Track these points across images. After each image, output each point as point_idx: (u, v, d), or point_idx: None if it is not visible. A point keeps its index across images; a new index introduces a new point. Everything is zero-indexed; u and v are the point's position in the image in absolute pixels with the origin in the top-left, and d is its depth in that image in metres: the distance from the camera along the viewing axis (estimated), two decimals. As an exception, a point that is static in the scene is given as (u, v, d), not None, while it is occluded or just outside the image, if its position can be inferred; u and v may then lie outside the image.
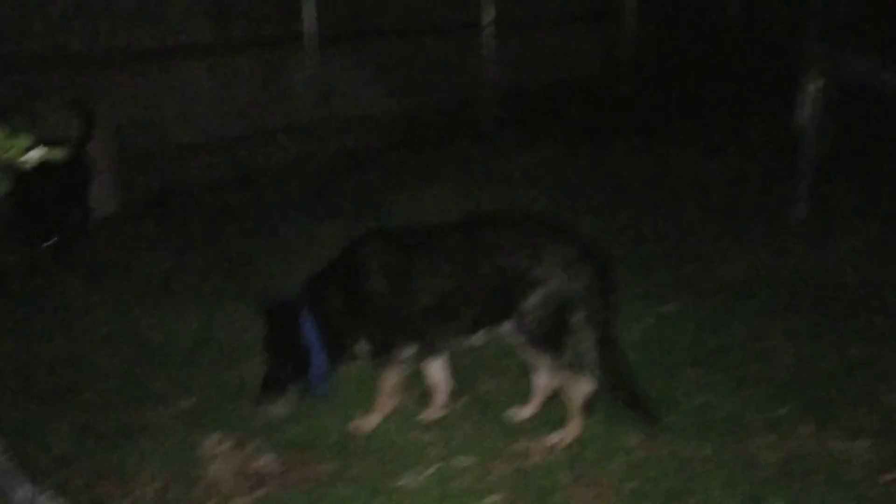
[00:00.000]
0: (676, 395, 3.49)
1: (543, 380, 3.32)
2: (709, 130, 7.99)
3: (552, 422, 3.30)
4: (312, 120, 7.36)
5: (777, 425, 3.29)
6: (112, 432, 3.24)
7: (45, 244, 4.73)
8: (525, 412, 3.39)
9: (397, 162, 7.28)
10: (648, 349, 3.89)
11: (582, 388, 3.15)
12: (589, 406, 3.20)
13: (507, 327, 3.14)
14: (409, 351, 3.21)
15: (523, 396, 3.43)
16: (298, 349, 3.16)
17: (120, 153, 5.86)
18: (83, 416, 3.35)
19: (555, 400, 3.34)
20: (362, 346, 3.26)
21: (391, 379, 3.28)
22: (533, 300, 3.01)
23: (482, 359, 3.77)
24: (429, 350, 3.26)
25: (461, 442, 3.22)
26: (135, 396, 3.50)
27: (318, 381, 3.24)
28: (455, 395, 3.51)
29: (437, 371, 3.39)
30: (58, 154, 1.62)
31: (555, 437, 3.19)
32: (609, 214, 5.72)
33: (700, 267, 4.87)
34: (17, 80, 5.59)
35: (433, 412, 3.38)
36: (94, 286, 4.56)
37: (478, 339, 3.24)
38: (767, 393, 3.51)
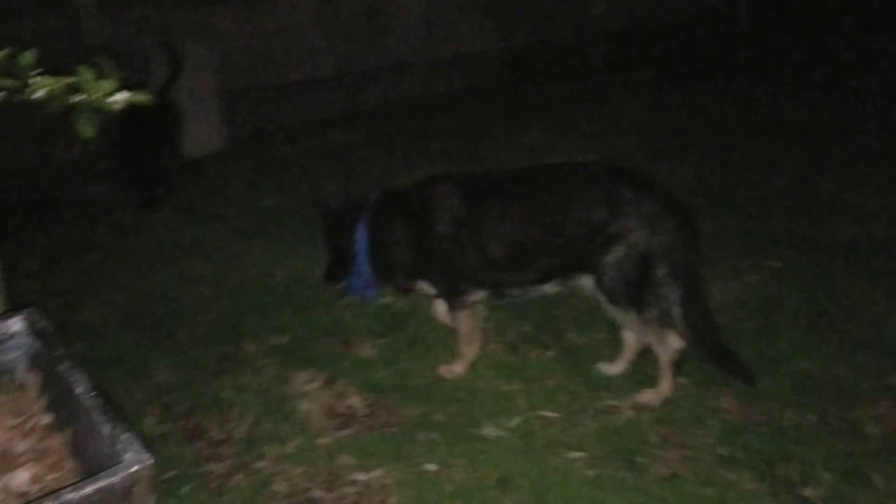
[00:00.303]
0: (778, 358, 3.32)
1: (631, 336, 3.23)
2: (824, 74, 7.45)
3: (643, 380, 3.20)
4: (415, 59, 7.28)
5: (886, 395, 3.08)
6: (210, 364, 3.36)
7: (142, 191, 4.80)
8: (615, 368, 3.30)
9: (499, 102, 7.13)
10: (749, 307, 3.71)
11: (669, 346, 3.04)
12: (678, 365, 3.09)
13: (585, 282, 3.04)
14: (476, 297, 3.18)
15: (614, 351, 3.34)
16: (346, 254, 3.33)
17: (225, 91, 5.97)
18: (184, 347, 3.49)
19: (647, 357, 3.23)
20: (425, 286, 3.29)
21: (462, 323, 3.26)
22: (614, 255, 2.89)
23: (573, 311, 3.69)
24: (496, 297, 3.22)
25: (547, 395, 3.17)
26: (232, 331, 3.61)
27: (361, 288, 3.41)
28: (544, 346, 3.46)
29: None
30: (144, 98, 1.62)
31: (646, 396, 3.10)
32: (714, 163, 5.44)
33: (812, 222, 4.57)
34: (129, 16, 5.75)
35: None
36: (196, 223, 4.70)
37: (550, 287, 3.16)
38: (877, 361, 3.28)
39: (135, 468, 1.33)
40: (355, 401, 3.12)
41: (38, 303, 3.69)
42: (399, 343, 3.51)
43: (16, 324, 1.84)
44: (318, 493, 2.64)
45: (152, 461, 1.36)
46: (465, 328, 3.27)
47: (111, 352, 3.44)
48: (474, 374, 3.29)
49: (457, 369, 3.28)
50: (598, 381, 3.26)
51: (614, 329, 3.37)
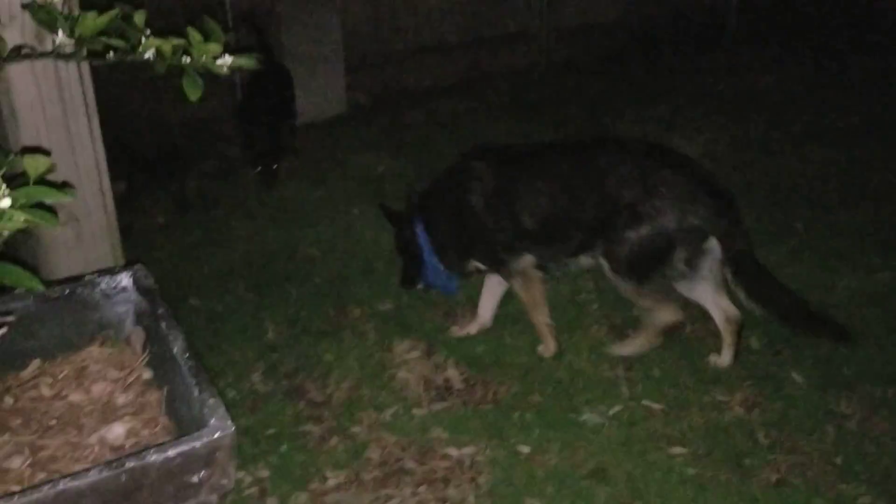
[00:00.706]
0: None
1: (721, 318, 3.11)
2: None
3: (754, 377, 3.02)
4: (538, 27, 7.12)
5: None
6: (316, 326, 3.42)
7: (256, 166, 4.88)
8: (724, 358, 3.13)
9: (625, 73, 6.87)
10: (879, 304, 3.42)
11: (663, 315, 3.07)
12: (666, 333, 3.13)
13: (599, 248, 3.04)
14: (522, 263, 3.15)
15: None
16: (413, 251, 3.32)
17: (346, 55, 6.02)
18: (294, 307, 3.57)
19: (761, 356, 3.04)
20: (476, 265, 3.27)
21: (522, 292, 3.23)
22: (637, 232, 2.89)
23: (687, 301, 3.52)
24: (538, 268, 3.21)
25: (652, 384, 3.05)
26: (340, 294, 3.66)
27: (437, 281, 3.37)
28: (652, 335, 3.32)
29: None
30: (248, 62, 1.61)
31: (627, 347, 3.16)
32: (851, 149, 5.03)
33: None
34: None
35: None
36: (314, 185, 4.78)
37: (585, 260, 3.16)
38: None
39: (217, 434, 1.35)
40: (453, 374, 3.10)
41: (160, 255, 3.97)
42: (500, 318, 3.46)
43: (125, 279, 1.91)
44: (409, 464, 2.64)
45: (233, 429, 1.37)
46: (526, 297, 3.23)
47: (227, 306, 3.57)
48: (578, 357, 3.19)
49: (550, 346, 3.21)
50: (707, 374, 3.10)
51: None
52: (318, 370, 3.14)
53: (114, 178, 2.60)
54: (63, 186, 1.18)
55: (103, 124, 2.47)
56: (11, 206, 1.00)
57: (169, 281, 3.72)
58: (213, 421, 1.38)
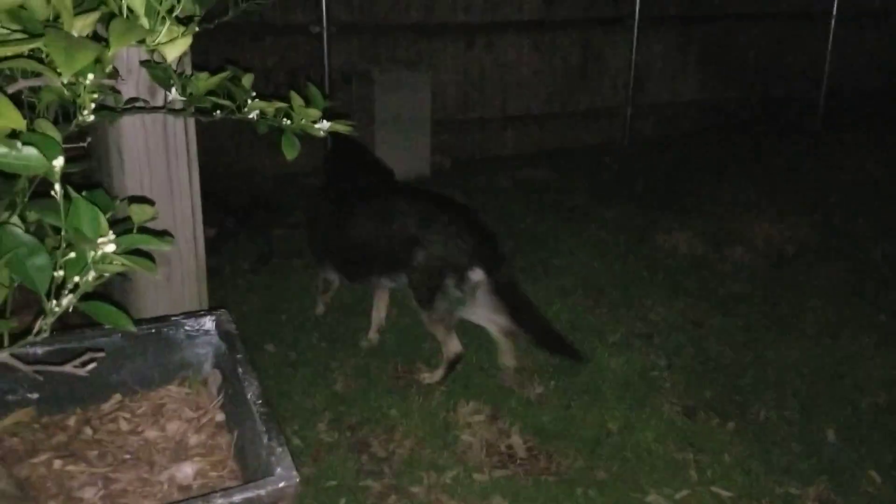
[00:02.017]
0: None
1: (495, 334, 3.55)
2: None
3: (827, 470, 2.88)
4: (623, 104, 7.20)
5: None
6: (384, 380, 3.46)
7: None
8: (434, 376, 3.46)
9: (706, 153, 6.84)
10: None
11: (450, 348, 3.43)
12: (452, 367, 3.43)
13: (404, 279, 3.46)
14: (331, 274, 3.84)
15: (804, 431, 3.04)
16: None
17: (433, 119, 6.19)
18: (363, 360, 3.62)
19: (838, 450, 2.91)
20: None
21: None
22: (416, 260, 3.35)
23: (761, 383, 3.42)
24: (346, 280, 3.81)
25: (722, 470, 2.95)
26: (410, 350, 3.70)
27: None
28: (725, 417, 3.23)
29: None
30: (346, 128, 1.69)
31: (425, 374, 3.51)
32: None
33: None
34: (359, 45, 6.15)
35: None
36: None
37: (385, 281, 3.62)
38: None
39: (282, 484, 1.38)
40: (516, 441, 3.08)
41: (243, 300, 4.11)
42: (569, 388, 3.43)
43: (209, 322, 1.99)
44: (465, 531, 2.62)
45: (298, 479, 1.40)
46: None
47: (300, 355, 3.65)
48: (647, 435, 3.12)
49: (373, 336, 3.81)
50: (780, 463, 2.99)
51: (806, 409, 3.07)
52: (382, 425, 3.17)
53: (205, 223, 2.73)
54: (162, 234, 1.27)
55: (200, 172, 2.61)
56: (114, 252, 1.08)
57: (248, 325, 3.85)
58: (279, 470, 1.41)
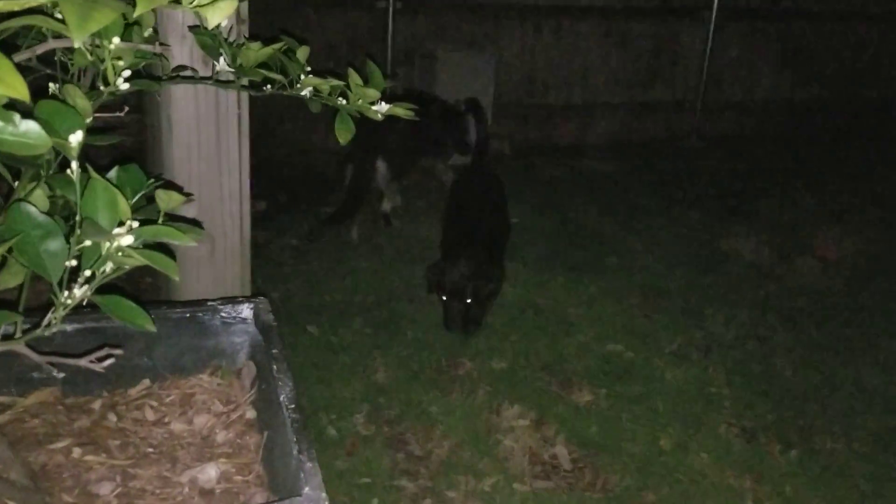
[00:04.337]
0: None
1: None
2: None
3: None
4: (695, 99, 6.90)
5: None
6: (426, 374, 3.32)
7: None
8: None
9: (782, 154, 6.50)
10: None
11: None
12: None
13: None
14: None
15: (878, 468, 2.80)
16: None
17: (495, 103, 6.01)
18: (406, 351, 3.48)
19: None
20: None
21: None
22: None
23: (829, 408, 3.19)
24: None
25: (785, 502, 2.74)
26: (455, 344, 3.55)
27: None
28: (787, 443, 3.01)
29: None
30: (406, 112, 1.54)
31: None
32: None
33: None
34: (424, 23, 5.98)
35: None
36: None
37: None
38: None
39: (308, 507, 1.25)
40: (561, 451, 2.91)
41: (288, 277, 4.01)
42: (622, 398, 3.24)
43: (246, 310, 1.87)
44: (502, 545, 2.47)
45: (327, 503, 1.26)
46: None
47: (342, 340, 3.53)
48: (700, 457, 2.93)
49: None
50: (846, 501, 2.76)
51: (878, 442, 2.84)
52: (421, 422, 3.03)
53: (256, 196, 2.62)
54: (193, 223, 1.13)
55: (254, 143, 2.49)
56: (135, 245, 0.95)
57: (292, 304, 3.75)
58: (307, 490, 1.28)
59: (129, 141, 4.10)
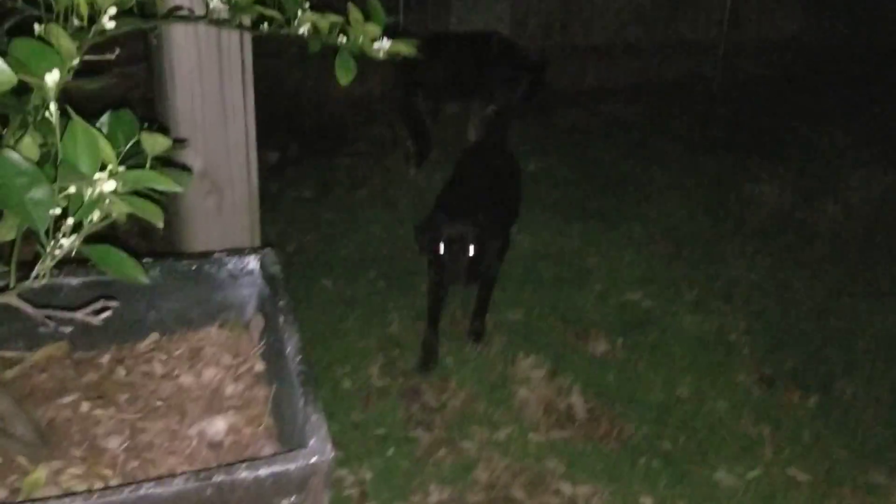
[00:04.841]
0: None
1: None
2: None
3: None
4: (718, 39, 6.68)
5: None
6: (441, 325, 3.28)
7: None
8: None
9: (802, 96, 6.31)
10: None
11: None
12: None
13: None
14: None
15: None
16: None
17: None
18: (420, 303, 3.45)
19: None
20: None
21: None
22: None
23: (849, 353, 3.13)
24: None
25: (801, 451, 2.72)
26: (468, 297, 3.49)
27: None
28: (807, 390, 2.97)
29: None
30: (409, 49, 1.47)
31: None
32: None
33: None
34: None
35: None
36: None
37: None
38: None
39: (314, 459, 1.23)
40: (577, 401, 2.88)
41: (301, 230, 3.97)
42: (639, 347, 3.20)
43: (253, 262, 1.84)
44: (517, 494, 2.46)
45: (332, 455, 1.24)
46: None
47: (356, 292, 3.50)
48: (717, 408, 2.89)
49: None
50: (865, 448, 2.72)
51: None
52: (436, 373, 3.01)
53: (267, 147, 2.56)
54: (182, 169, 1.08)
55: (265, 94, 2.43)
56: (117, 192, 0.90)
57: (306, 258, 3.71)
58: (312, 442, 1.25)
59: (137, 93, 4.05)
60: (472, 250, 2.94)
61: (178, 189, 0.99)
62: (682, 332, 3.31)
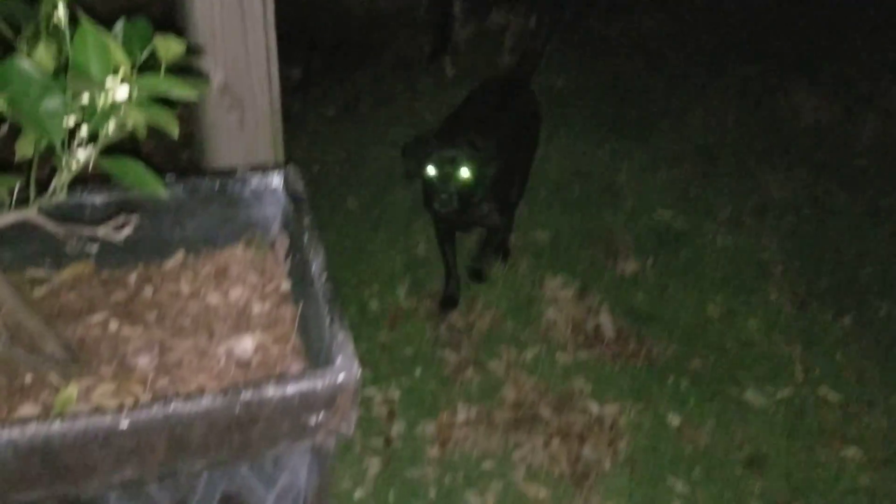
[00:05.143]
0: None
1: None
2: None
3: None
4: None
5: None
6: (468, 246, 3.24)
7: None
8: None
9: (844, 3, 6.01)
10: None
11: None
12: None
13: None
14: None
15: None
16: None
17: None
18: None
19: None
20: None
21: None
22: None
23: (885, 272, 3.06)
24: None
25: (833, 370, 2.70)
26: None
27: None
28: (841, 311, 2.92)
29: None
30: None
31: None
32: None
33: None
34: None
35: None
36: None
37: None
38: None
39: (341, 377, 1.21)
40: (605, 321, 2.86)
41: (326, 149, 3.91)
42: (669, 266, 3.15)
43: (276, 179, 1.80)
44: (545, 412, 2.47)
45: (359, 373, 1.22)
46: None
47: (383, 213, 3.46)
48: (747, 324, 2.86)
49: None
50: (900, 368, 2.69)
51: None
52: (463, 294, 2.98)
53: (291, 63, 2.49)
54: (199, 77, 1.02)
55: (288, 9, 2.34)
56: (132, 99, 0.86)
57: (331, 178, 3.67)
58: (339, 360, 1.24)
59: (157, 9, 3.95)
60: (464, 172, 2.52)
61: (193, 96, 0.94)
62: (713, 250, 3.25)
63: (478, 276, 3.05)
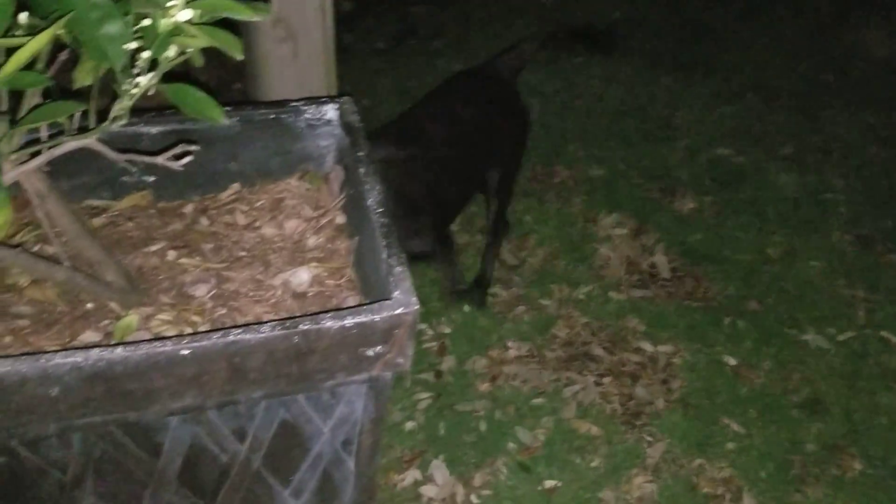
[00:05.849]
0: None
1: None
2: None
3: None
4: None
5: None
6: (521, 184, 3.17)
7: None
8: None
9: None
10: None
11: None
12: None
13: None
14: None
15: None
16: None
17: None
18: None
19: None
20: None
21: None
22: None
23: None
24: None
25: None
26: (551, 151, 3.38)
27: None
28: None
29: None
30: None
31: None
32: None
33: None
34: None
35: None
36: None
37: None
38: None
39: (399, 311, 1.20)
40: (660, 260, 2.81)
41: (375, 83, 3.85)
42: (728, 205, 3.07)
43: (331, 111, 1.77)
44: (597, 351, 2.45)
45: (417, 307, 1.21)
46: None
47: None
48: (808, 265, 2.78)
49: None
50: None
51: None
52: (515, 231, 2.95)
53: (341, -5, 2.45)
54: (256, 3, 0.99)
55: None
56: (193, 22, 0.83)
57: (380, 112, 3.62)
58: (397, 293, 1.22)
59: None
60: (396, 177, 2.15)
61: (255, 17, 0.91)
62: (775, 189, 3.16)
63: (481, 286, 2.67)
